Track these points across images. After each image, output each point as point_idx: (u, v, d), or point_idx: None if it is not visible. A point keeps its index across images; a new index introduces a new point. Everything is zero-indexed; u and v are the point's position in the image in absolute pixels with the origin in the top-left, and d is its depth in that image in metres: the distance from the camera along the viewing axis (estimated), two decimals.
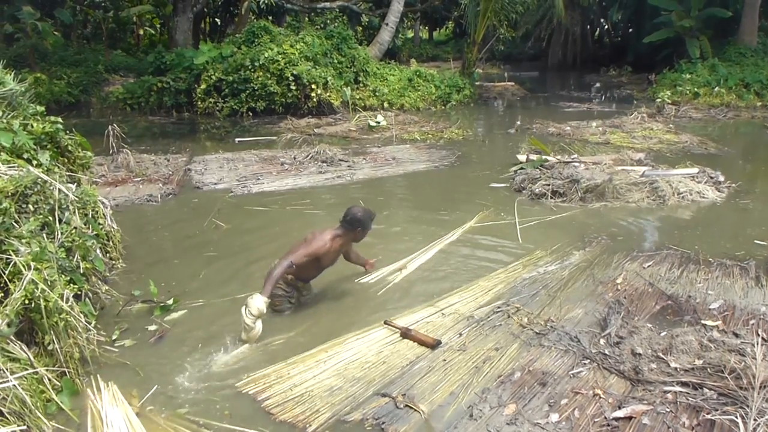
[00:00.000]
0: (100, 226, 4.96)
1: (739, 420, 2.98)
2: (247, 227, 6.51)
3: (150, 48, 22.79)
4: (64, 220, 4.25)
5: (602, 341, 3.88)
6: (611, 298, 4.57)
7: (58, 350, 3.41)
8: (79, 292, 3.88)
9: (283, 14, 23.85)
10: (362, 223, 4.45)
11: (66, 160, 5.33)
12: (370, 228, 4.56)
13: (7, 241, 3.54)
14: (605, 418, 3.12)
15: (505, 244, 5.91)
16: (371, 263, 5.05)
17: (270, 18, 21.86)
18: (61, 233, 4.12)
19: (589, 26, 32.78)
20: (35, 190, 4.14)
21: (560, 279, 5.01)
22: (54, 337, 3.39)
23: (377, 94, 15.73)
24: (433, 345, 3.89)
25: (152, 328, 4.20)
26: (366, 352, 3.85)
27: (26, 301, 3.27)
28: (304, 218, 6.80)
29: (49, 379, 3.28)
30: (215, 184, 8.27)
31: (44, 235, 3.97)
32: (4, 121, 4.77)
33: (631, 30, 30.59)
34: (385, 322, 4.17)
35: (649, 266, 5.25)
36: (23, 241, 3.61)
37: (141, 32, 27.18)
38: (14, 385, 2.99)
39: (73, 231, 4.22)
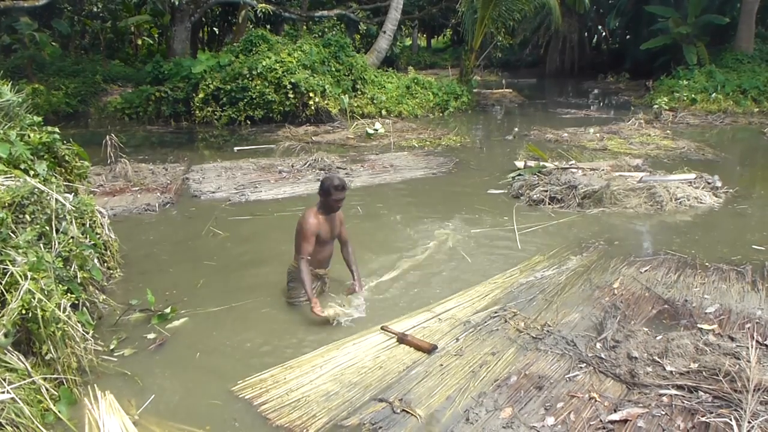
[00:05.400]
0: (98, 236, 4.97)
1: (734, 422, 2.99)
2: (244, 235, 6.53)
3: (148, 58, 22.79)
4: (61, 230, 4.26)
5: (598, 345, 3.89)
6: (608, 303, 4.59)
7: (56, 360, 3.41)
8: (77, 302, 3.87)
9: (280, 23, 23.93)
10: (321, 189, 4.56)
11: (63, 170, 5.35)
12: (330, 193, 4.50)
13: (3, 251, 3.56)
14: (601, 421, 3.13)
15: (503, 250, 5.92)
16: (352, 288, 4.85)
17: (268, 27, 21.93)
18: (58, 243, 4.12)
19: (586, 33, 32.93)
20: (32, 200, 4.15)
21: (557, 284, 5.03)
22: (51, 347, 3.39)
23: (375, 101, 15.73)
24: (430, 350, 3.89)
25: (151, 336, 4.20)
26: (362, 357, 3.86)
27: (23, 311, 3.28)
28: None
29: (47, 389, 3.28)
30: (213, 192, 8.29)
31: (41, 245, 3.97)
32: (1, 131, 4.79)
33: (628, 37, 30.70)
34: (382, 328, 4.18)
35: (646, 271, 5.27)
36: (20, 251, 3.62)
37: (139, 42, 27.30)
38: (11, 395, 3.00)
39: (71, 241, 4.23)
